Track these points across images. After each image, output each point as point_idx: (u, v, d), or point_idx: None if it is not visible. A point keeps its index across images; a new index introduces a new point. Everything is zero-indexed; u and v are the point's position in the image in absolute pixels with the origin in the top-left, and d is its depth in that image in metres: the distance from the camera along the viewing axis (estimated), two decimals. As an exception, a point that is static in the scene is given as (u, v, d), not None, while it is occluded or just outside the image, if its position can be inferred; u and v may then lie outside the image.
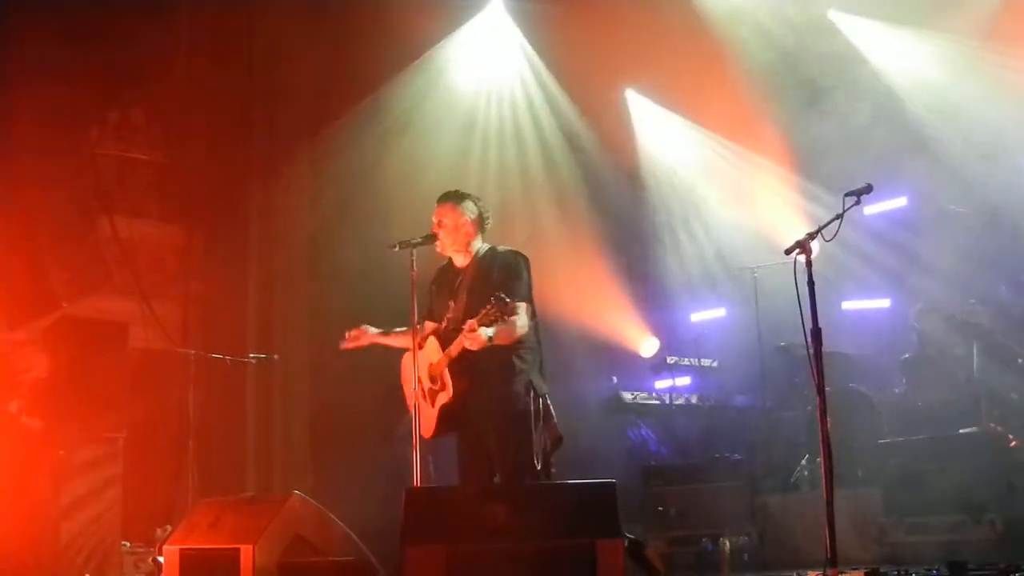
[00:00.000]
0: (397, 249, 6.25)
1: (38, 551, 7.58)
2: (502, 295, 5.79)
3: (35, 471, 7.81)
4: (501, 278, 6.14)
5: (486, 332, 5.85)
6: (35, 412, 8.05)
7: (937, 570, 6.19)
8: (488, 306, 5.79)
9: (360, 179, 10.76)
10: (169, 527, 7.42)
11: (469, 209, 6.38)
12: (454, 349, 6.06)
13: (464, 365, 6.12)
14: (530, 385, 6.17)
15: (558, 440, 6.21)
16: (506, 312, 5.84)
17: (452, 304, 6.31)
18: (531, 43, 11.32)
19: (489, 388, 6.13)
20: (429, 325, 6.41)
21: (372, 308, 9.91)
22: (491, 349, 5.99)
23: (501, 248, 6.41)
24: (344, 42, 10.45)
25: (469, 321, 5.90)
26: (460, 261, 6.41)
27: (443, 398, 6.16)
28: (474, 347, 5.91)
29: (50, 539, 7.72)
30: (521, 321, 6.10)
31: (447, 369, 6.13)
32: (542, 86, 11.35)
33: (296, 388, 10.12)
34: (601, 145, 11.42)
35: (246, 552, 5.89)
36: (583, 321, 11.05)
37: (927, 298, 9.33)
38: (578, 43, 10.63)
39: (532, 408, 6.12)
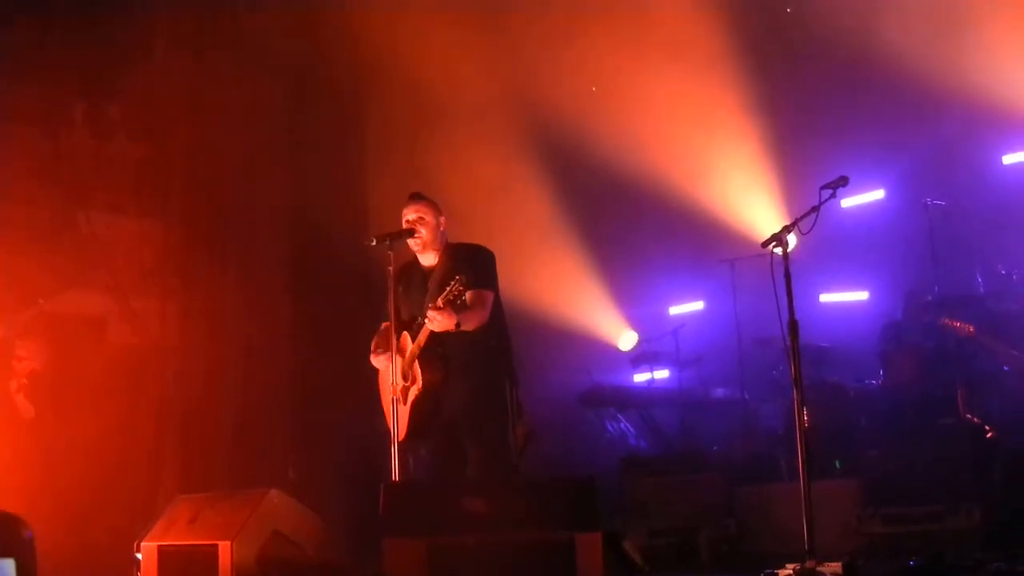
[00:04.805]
0: (375, 243, 6.25)
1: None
2: (462, 276, 5.84)
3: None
4: (469, 268, 6.15)
5: (453, 315, 5.88)
6: (32, 398, 8.09)
7: (914, 560, 6.21)
8: (452, 283, 5.82)
9: (341, 174, 10.75)
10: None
11: (440, 209, 6.42)
12: (421, 337, 6.08)
13: (435, 357, 6.13)
14: (505, 377, 6.19)
15: (529, 437, 6.23)
16: (469, 292, 5.91)
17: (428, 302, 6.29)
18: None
19: (465, 381, 6.14)
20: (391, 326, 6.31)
21: (352, 303, 9.99)
22: (463, 341, 6.01)
23: (466, 244, 6.44)
24: (320, 41, 10.44)
25: (432, 303, 5.94)
26: (428, 260, 6.41)
27: (413, 392, 6.15)
28: (438, 328, 5.92)
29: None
30: (486, 310, 6.12)
31: (417, 361, 6.14)
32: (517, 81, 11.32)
33: (276, 382, 10.09)
34: (577, 139, 11.40)
35: (224, 548, 5.88)
36: (561, 315, 11.07)
37: (909, 286, 9.39)
38: (551, 45, 10.66)
39: (508, 400, 6.14)
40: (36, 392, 8.14)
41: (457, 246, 6.41)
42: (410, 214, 6.35)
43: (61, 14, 9.21)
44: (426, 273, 6.40)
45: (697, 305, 12.03)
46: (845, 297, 10.83)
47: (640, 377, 11.76)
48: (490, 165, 10.79)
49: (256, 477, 8.77)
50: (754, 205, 10.59)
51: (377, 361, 6.36)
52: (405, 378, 6.21)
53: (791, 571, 5.78)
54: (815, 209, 5.95)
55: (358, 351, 6.84)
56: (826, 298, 10.82)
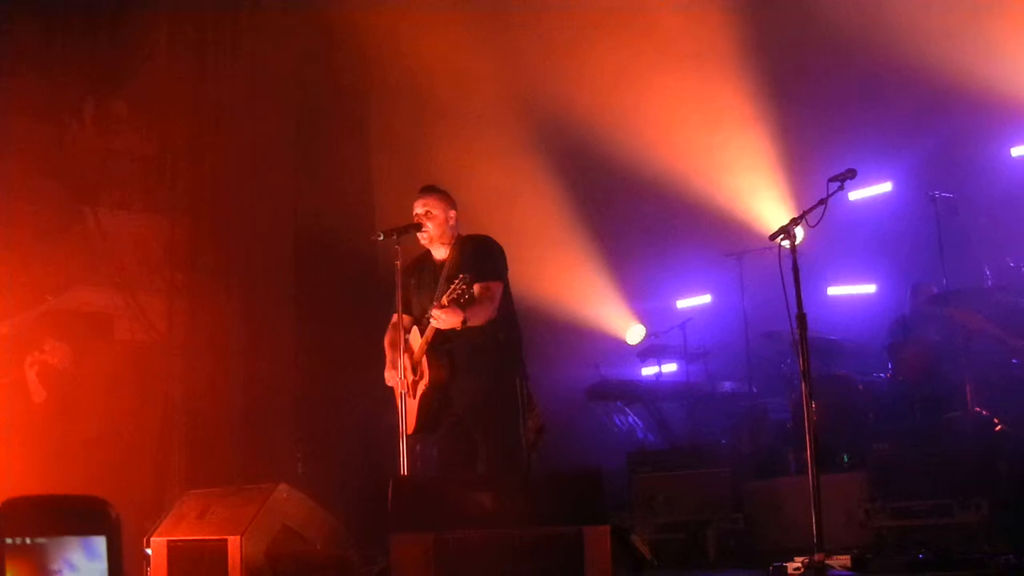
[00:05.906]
0: (382, 238, 6.23)
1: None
2: (466, 275, 5.82)
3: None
4: (476, 261, 6.13)
5: (458, 313, 5.86)
6: (44, 382, 8.13)
7: (923, 554, 6.21)
8: (455, 282, 5.81)
9: (346, 170, 10.75)
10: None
11: (452, 202, 6.39)
12: (428, 333, 6.07)
13: (442, 353, 6.12)
14: (515, 369, 6.18)
15: (541, 430, 6.22)
16: (473, 289, 5.87)
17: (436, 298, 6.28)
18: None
19: (474, 377, 6.13)
20: (406, 319, 6.33)
21: (357, 298, 10.00)
22: (470, 336, 6.00)
23: (474, 235, 6.42)
24: (323, 39, 10.45)
25: (437, 302, 5.92)
26: (440, 254, 6.40)
27: (421, 387, 6.15)
28: (444, 326, 5.91)
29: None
30: (495, 303, 6.11)
31: (425, 356, 6.13)
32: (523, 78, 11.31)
33: (283, 378, 10.11)
34: (584, 135, 11.38)
35: (233, 543, 5.89)
36: (568, 309, 11.06)
37: (917, 279, 9.38)
38: (557, 42, 10.65)
39: (519, 394, 6.12)
40: (47, 382, 8.17)
41: (466, 238, 6.39)
42: (418, 208, 6.34)
43: (65, 12, 9.23)
44: (437, 266, 6.39)
45: (705, 299, 12.01)
46: (853, 290, 10.81)
47: (648, 371, 11.75)
48: (496, 162, 10.79)
49: (264, 472, 8.81)
50: (761, 198, 10.57)
51: (389, 377, 6.34)
52: (414, 372, 6.21)
53: (799, 565, 5.77)
54: (823, 202, 5.94)
55: (365, 346, 6.85)
56: (834, 291, 10.80)
